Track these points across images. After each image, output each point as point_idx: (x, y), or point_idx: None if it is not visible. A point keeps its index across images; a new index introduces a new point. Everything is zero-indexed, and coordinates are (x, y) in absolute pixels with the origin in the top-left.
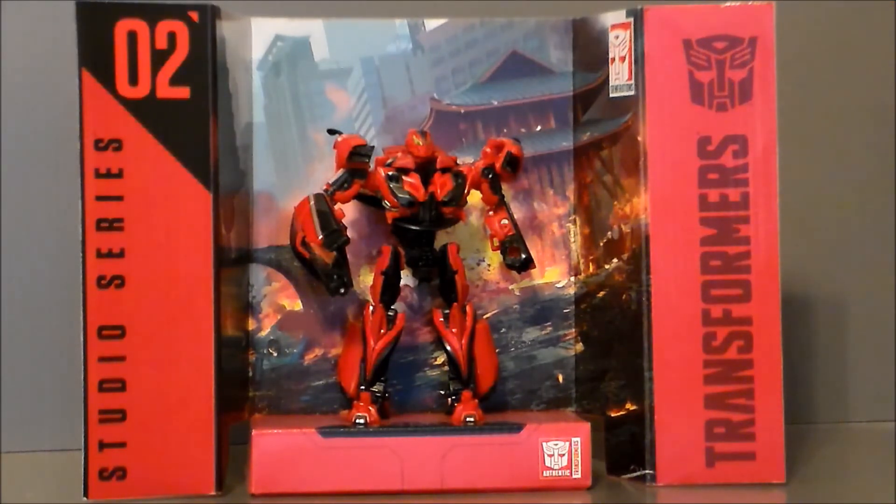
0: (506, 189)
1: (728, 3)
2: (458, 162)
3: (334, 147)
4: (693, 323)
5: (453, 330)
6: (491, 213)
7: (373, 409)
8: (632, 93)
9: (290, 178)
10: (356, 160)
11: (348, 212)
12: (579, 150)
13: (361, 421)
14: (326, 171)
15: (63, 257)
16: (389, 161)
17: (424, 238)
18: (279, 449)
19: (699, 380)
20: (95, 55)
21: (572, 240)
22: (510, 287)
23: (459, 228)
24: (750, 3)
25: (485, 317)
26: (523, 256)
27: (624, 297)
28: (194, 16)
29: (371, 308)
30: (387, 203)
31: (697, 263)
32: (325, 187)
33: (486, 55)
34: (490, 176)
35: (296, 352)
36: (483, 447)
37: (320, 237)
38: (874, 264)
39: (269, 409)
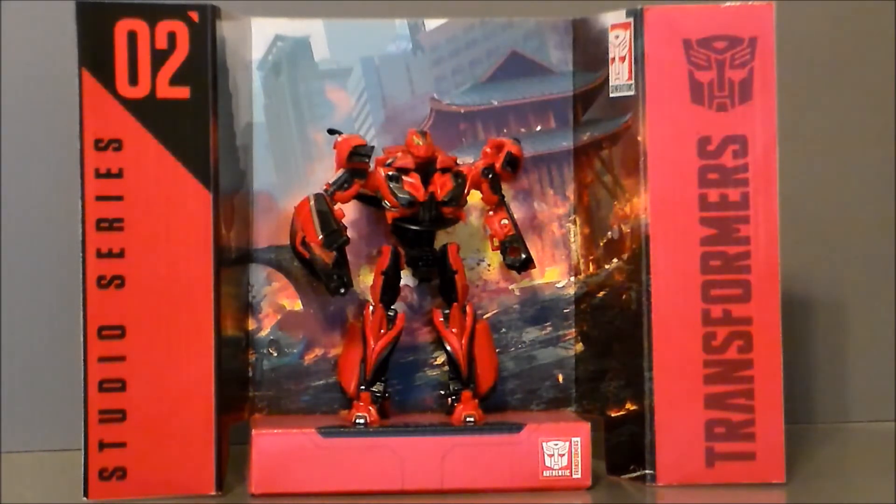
0: (506, 189)
1: (728, 3)
2: (458, 162)
3: (334, 147)
4: (693, 323)
5: (453, 330)
6: (491, 213)
7: (373, 409)
8: (632, 93)
9: (290, 178)
10: (356, 160)
11: (348, 212)
12: (579, 150)
13: (361, 421)
14: (326, 171)
15: (63, 257)
16: (389, 161)
17: (424, 238)
18: (279, 449)
19: (699, 380)
20: (95, 55)
21: (572, 240)
22: (510, 287)
23: (459, 228)
24: (750, 3)
25: (485, 317)
26: (523, 256)
27: (624, 297)
28: (194, 16)
29: (371, 308)
30: (387, 203)
31: (697, 263)
32: (325, 187)
33: (486, 55)
34: (490, 176)
35: (296, 352)
36: (483, 447)
37: (320, 237)
38: (874, 264)
39: (269, 409)
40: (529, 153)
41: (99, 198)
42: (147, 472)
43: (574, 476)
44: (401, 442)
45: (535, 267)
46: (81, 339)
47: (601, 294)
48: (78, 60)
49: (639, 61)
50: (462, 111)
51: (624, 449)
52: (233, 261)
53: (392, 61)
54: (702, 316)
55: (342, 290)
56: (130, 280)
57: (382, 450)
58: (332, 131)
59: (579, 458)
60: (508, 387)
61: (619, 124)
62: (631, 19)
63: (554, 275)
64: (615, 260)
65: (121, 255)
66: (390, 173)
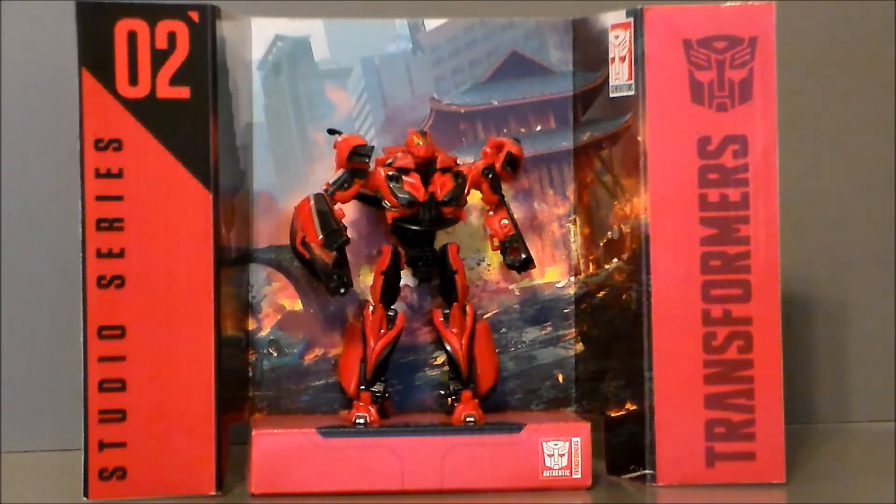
0: (506, 189)
1: (728, 3)
2: (458, 162)
3: (334, 147)
4: (693, 323)
5: (453, 330)
6: (491, 213)
7: (373, 409)
8: (632, 93)
9: (290, 178)
10: (356, 160)
11: (348, 212)
12: (579, 150)
13: (361, 421)
14: (326, 171)
15: (63, 257)
16: (389, 161)
17: (424, 238)
18: (279, 449)
19: (699, 380)
20: (95, 55)
21: (572, 240)
22: (510, 287)
23: (459, 228)
24: (750, 3)
25: (485, 317)
26: (523, 256)
27: (624, 297)
28: (194, 16)
29: (371, 308)
30: (387, 203)
31: (697, 263)
32: (325, 187)
33: (486, 55)
34: (490, 176)
35: (296, 352)
36: (483, 447)
37: (320, 237)
38: (874, 264)
39: (269, 409)
40: (529, 153)
41: (99, 198)
42: (147, 472)
43: (574, 476)
44: (401, 442)
45: (535, 267)
46: (81, 339)
47: (601, 294)
48: (78, 60)
49: (639, 61)
50: (462, 111)
51: (624, 449)
52: (233, 261)
53: (392, 61)
54: (702, 316)
55: (342, 290)
56: (130, 280)
57: (382, 450)
58: (332, 131)
59: (579, 458)
60: (508, 387)
61: (619, 124)
62: (631, 19)
63: (554, 275)
64: (615, 260)
65: (121, 255)
66: (390, 173)
